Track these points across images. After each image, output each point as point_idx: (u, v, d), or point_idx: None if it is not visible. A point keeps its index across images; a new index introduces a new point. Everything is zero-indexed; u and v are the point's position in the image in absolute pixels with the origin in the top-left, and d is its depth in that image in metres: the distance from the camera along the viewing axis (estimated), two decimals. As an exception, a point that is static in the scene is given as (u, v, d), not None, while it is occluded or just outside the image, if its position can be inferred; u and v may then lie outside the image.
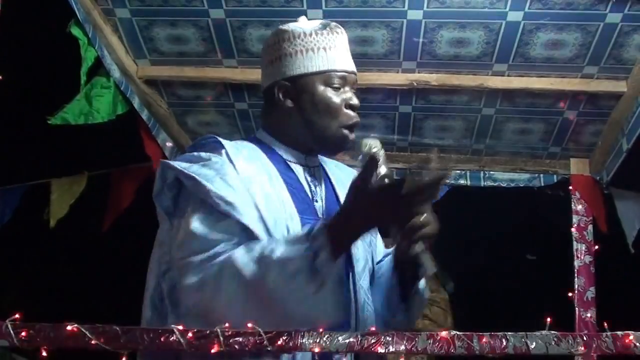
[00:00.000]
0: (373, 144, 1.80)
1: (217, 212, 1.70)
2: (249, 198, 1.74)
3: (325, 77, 1.90)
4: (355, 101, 1.91)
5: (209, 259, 1.66)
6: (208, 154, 1.82)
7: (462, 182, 3.79)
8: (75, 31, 2.64)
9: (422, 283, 1.92)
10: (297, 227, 1.77)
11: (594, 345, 1.35)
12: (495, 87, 3.11)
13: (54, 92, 2.95)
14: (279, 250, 1.61)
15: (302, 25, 1.95)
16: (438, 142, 3.63)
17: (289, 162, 1.93)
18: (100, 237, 3.84)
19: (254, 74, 3.11)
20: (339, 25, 1.97)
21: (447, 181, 3.74)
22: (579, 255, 3.54)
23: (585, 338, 1.36)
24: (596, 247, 3.56)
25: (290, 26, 1.95)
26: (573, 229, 3.58)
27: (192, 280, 1.66)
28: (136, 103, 3.12)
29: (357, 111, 1.93)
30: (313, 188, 1.93)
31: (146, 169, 3.57)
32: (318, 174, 1.98)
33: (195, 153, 1.84)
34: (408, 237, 1.70)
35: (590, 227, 3.58)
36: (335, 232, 1.60)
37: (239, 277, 1.61)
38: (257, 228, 1.71)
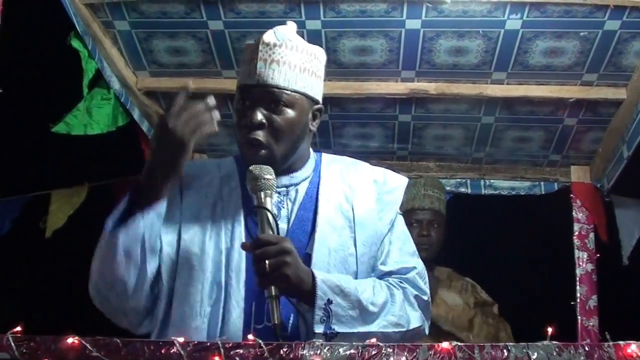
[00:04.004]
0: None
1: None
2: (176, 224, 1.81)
3: (238, 91, 1.87)
4: (244, 120, 1.80)
5: None
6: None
7: (462, 190, 3.79)
8: (76, 43, 2.65)
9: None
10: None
11: (596, 356, 1.34)
12: (494, 95, 3.11)
13: (55, 104, 2.95)
14: None
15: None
16: (438, 150, 3.63)
17: None
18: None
19: (253, 85, 3.11)
20: (278, 32, 1.91)
21: (448, 189, 3.75)
22: (580, 264, 3.52)
23: (587, 348, 1.35)
24: (598, 255, 3.55)
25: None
26: (574, 237, 3.57)
27: None
28: (136, 114, 3.13)
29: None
30: (275, 211, 1.76)
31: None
32: (290, 194, 1.88)
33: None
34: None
35: (591, 235, 3.57)
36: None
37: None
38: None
